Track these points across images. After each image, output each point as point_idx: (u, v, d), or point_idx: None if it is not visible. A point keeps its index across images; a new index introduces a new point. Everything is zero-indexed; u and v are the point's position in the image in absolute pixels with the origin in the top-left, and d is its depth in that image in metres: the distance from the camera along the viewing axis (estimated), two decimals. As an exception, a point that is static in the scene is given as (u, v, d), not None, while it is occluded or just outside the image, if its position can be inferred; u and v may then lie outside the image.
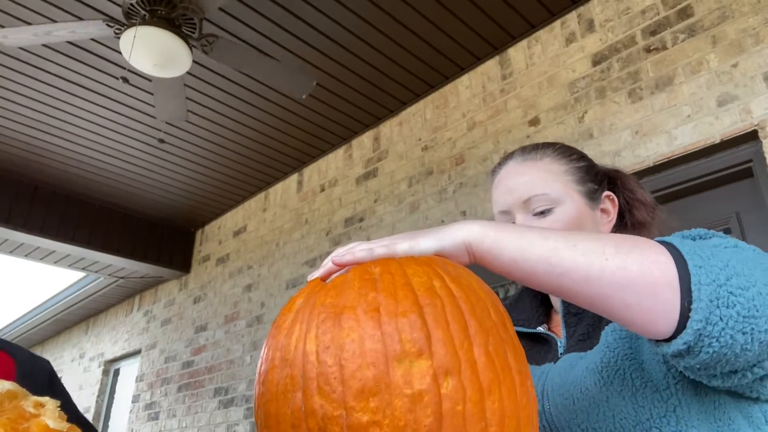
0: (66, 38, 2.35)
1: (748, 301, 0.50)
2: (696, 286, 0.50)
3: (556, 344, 0.80)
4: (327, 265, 0.55)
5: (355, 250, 0.54)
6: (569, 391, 0.71)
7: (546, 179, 0.83)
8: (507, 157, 0.89)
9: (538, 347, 0.82)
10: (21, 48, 2.80)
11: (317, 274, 0.56)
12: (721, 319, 0.49)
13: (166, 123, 3.30)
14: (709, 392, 0.63)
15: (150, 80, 2.87)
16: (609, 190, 0.89)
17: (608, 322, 0.74)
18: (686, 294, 0.50)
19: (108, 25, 2.31)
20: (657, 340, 0.54)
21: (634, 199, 0.90)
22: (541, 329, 0.83)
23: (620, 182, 0.92)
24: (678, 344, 0.51)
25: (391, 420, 0.41)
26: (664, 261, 0.52)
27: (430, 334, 0.44)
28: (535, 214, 0.82)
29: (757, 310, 0.50)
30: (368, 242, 0.57)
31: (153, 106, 3.15)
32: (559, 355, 0.78)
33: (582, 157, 0.89)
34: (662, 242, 0.55)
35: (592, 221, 0.84)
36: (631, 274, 0.51)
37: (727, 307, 0.50)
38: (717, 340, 0.50)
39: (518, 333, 0.79)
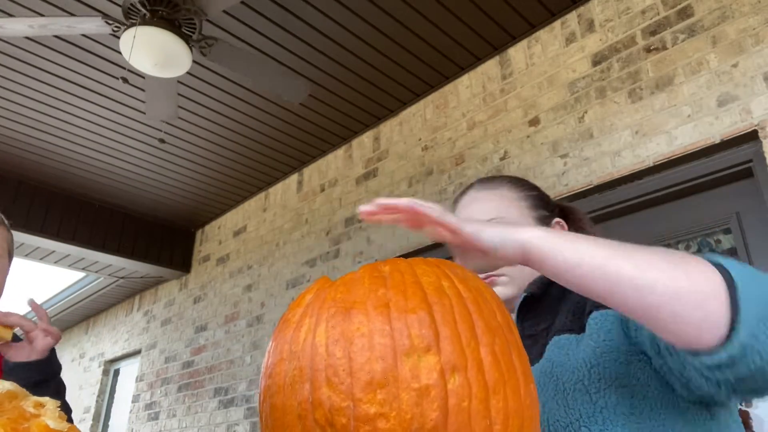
0: (62, 32, 2.34)
1: None
2: (743, 301, 0.50)
3: None
4: (386, 203, 0.61)
5: (425, 205, 0.60)
6: None
7: (502, 205, 0.89)
8: (467, 187, 0.95)
9: None
10: (22, 48, 2.80)
11: (368, 207, 0.61)
12: (767, 335, 0.49)
13: (167, 123, 3.29)
14: (634, 394, 0.66)
15: (150, 80, 2.87)
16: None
17: (552, 335, 0.77)
18: (733, 307, 0.51)
19: (106, 22, 2.31)
20: (696, 352, 0.54)
21: (583, 231, 0.95)
22: None
23: (572, 216, 0.97)
24: (721, 356, 0.51)
25: (398, 413, 0.41)
26: (712, 275, 0.53)
27: (438, 331, 0.44)
28: None
29: None
30: (439, 208, 0.61)
31: (153, 106, 3.15)
32: None
33: (534, 187, 0.95)
34: (705, 258, 0.57)
35: None
36: (682, 286, 0.52)
37: None
38: (760, 356, 0.50)
39: None
